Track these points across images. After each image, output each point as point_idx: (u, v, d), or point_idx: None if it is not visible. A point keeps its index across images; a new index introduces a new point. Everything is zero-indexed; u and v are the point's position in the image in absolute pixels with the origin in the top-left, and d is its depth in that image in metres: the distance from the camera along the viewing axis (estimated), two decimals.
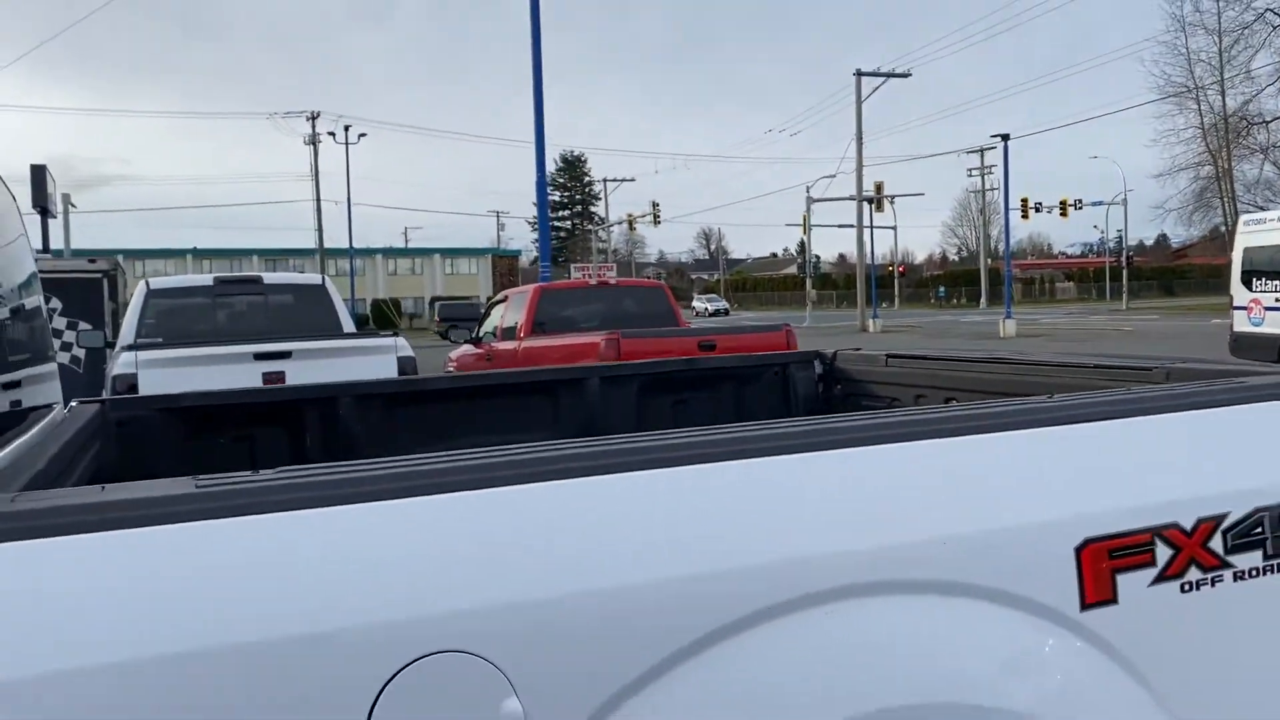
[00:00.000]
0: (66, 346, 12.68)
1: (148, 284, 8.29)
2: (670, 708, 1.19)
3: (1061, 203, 46.28)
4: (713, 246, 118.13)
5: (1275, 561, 1.58)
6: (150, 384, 6.36)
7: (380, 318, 53.41)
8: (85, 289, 12.85)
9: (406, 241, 75.58)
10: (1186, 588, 1.51)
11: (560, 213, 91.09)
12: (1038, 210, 47.15)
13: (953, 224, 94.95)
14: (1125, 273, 55.95)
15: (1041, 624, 1.41)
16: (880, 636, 1.32)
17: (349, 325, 8.59)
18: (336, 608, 1.07)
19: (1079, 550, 1.44)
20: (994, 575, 1.38)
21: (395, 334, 7.39)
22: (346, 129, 48.90)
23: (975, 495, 1.42)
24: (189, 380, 6.05)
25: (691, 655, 1.21)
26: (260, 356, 6.78)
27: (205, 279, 8.67)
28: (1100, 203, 55.17)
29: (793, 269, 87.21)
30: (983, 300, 61.75)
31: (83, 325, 12.70)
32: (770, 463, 1.32)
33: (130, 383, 6.36)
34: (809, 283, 56.33)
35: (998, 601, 1.39)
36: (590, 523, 1.21)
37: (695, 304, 68.86)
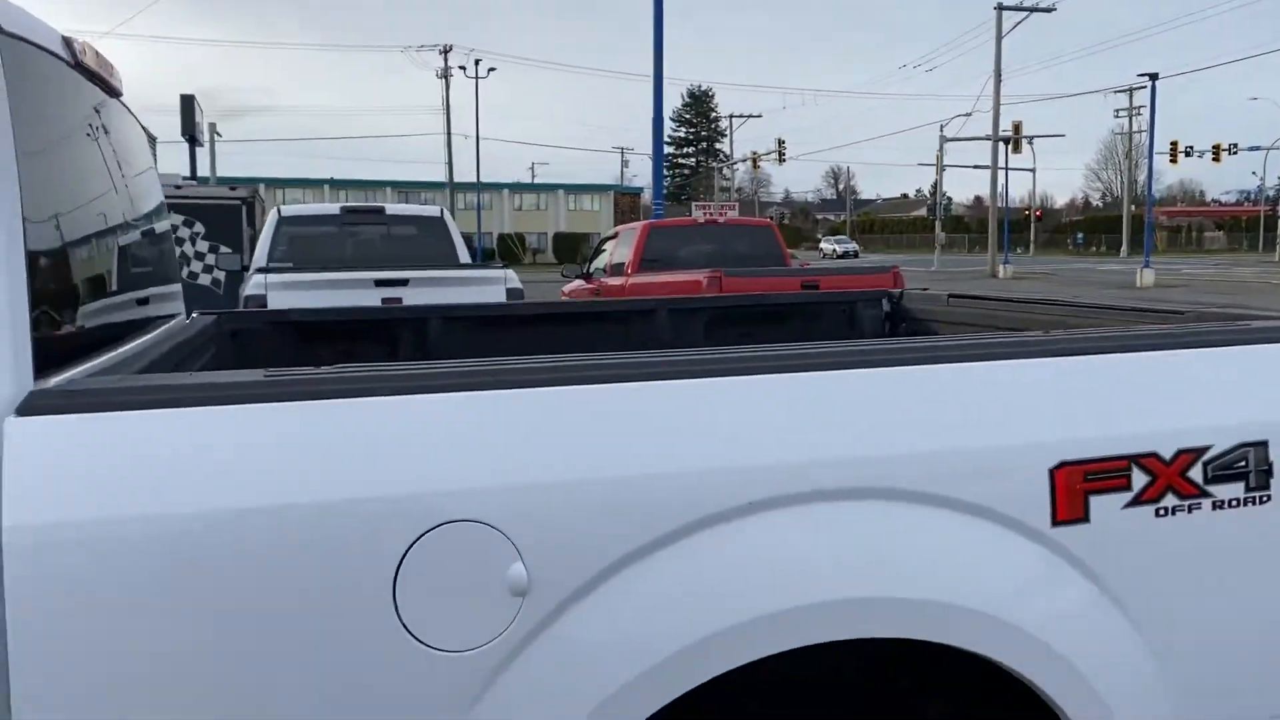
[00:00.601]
0: (208, 269, 13.46)
1: (280, 211, 8.79)
2: (662, 577, 1.38)
3: (1214, 147, 43.83)
4: (840, 186, 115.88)
5: (1258, 494, 1.67)
6: (278, 304, 6.81)
7: (505, 251, 54.44)
8: (226, 214, 13.57)
9: (533, 177, 76.49)
10: (1162, 512, 1.62)
11: (685, 150, 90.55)
12: (1188, 155, 44.76)
13: (1096, 168, 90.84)
14: None
15: (1010, 535, 1.54)
16: (854, 536, 1.48)
17: (464, 256, 8.93)
18: (371, 479, 1.30)
19: (1053, 471, 1.56)
20: (966, 489, 1.52)
21: (506, 266, 7.69)
22: (477, 63, 49.48)
23: (955, 417, 1.55)
24: (314, 302, 6.47)
25: (686, 535, 1.40)
26: (380, 283, 7.16)
27: (333, 208, 9.12)
28: (1258, 148, 51.98)
29: (923, 211, 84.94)
30: (1123, 248, 59.19)
31: (223, 249, 13.46)
32: (754, 380, 1.48)
33: (260, 303, 6.82)
34: (938, 225, 54.88)
35: (969, 512, 1.53)
36: (589, 422, 1.40)
37: (823, 245, 67.87)
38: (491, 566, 1.33)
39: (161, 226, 2.71)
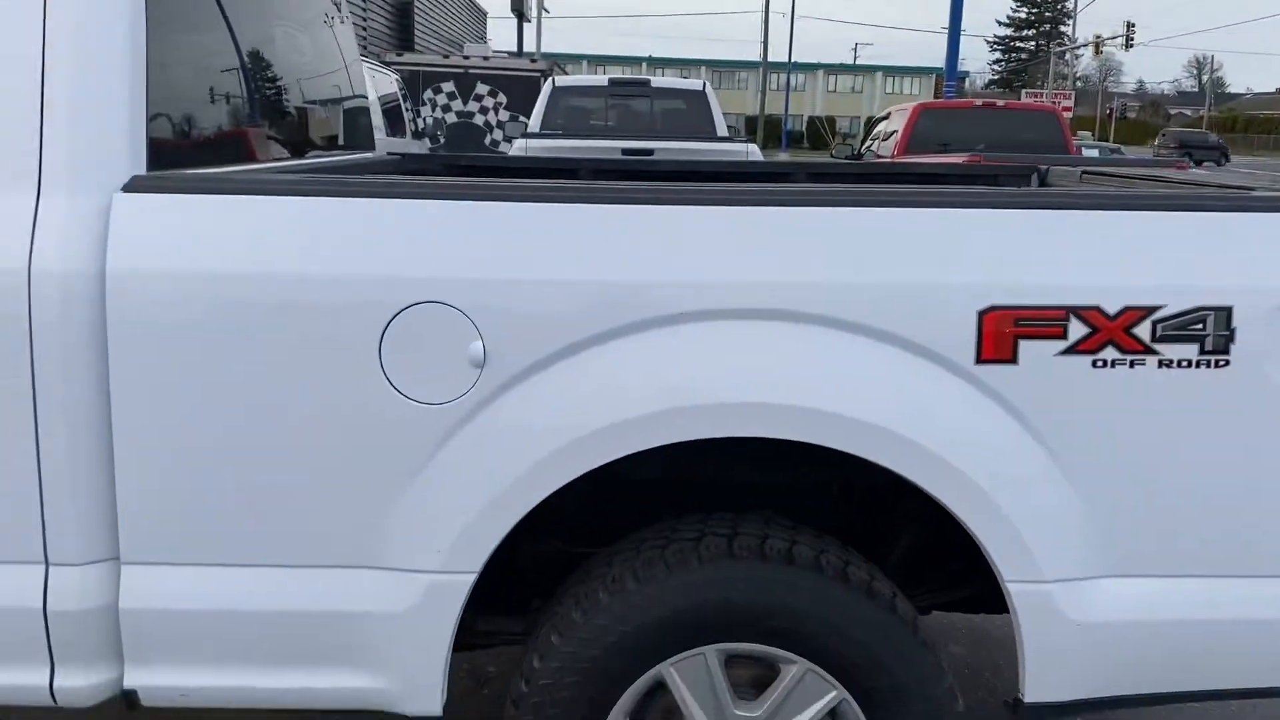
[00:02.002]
0: (509, 139, 14.51)
1: (554, 82, 9.39)
2: (595, 368, 1.68)
3: None
4: (1204, 78, 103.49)
5: (1214, 357, 1.70)
6: None
7: (814, 135, 53.49)
8: (527, 86, 14.47)
9: (855, 58, 74.02)
10: (1100, 364, 1.70)
11: (1024, 32, 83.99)
12: None
13: None
14: None
15: (930, 366, 1.70)
16: (773, 352, 1.70)
17: (722, 130, 9.18)
18: (368, 260, 1.67)
19: (981, 313, 1.69)
20: (892, 322, 1.69)
21: (748, 141, 7.88)
22: None
23: (889, 255, 1.70)
24: None
25: (618, 336, 1.68)
26: (627, 152, 7.59)
27: (601, 80, 9.63)
28: None
29: None
30: None
31: (522, 118, 14.39)
32: (691, 210, 1.71)
33: None
34: None
35: (896, 345, 1.69)
36: (545, 233, 1.70)
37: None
38: (458, 341, 1.68)
39: (360, 104, 3.16)
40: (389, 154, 3.30)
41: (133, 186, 1.70)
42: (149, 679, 1.80)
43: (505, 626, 2.14)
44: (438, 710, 1.82)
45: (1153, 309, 1.69)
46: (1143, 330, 1.70)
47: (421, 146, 11.20)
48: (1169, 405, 1.72)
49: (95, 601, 1.75)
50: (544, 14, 43.10)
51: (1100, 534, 1.76)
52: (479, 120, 14.88)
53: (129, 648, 1.78)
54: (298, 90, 2.56)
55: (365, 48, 18.21)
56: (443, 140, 14.44)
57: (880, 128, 11.28)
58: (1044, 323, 1.69)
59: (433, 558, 1.74)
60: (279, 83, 2.43)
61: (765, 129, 47.55)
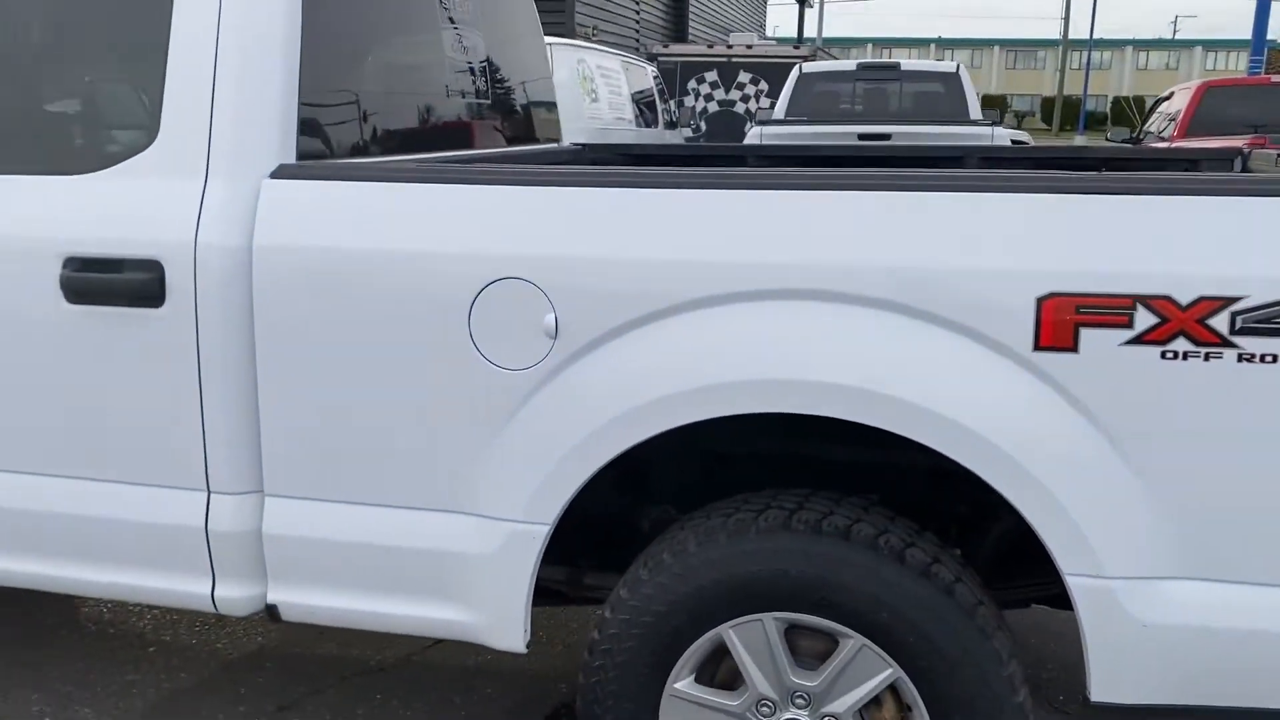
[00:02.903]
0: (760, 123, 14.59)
1: (800, 68, 9.40)
2: (660, 341, 1.80)
3: None
4: None
5: None
6: None
7: (1118, 115, 49.66)
8: (789, 72, 14.47)
9: (1174, 32, 67.96)
10: (1169, 355, 1.63)
11: None
12: None
13: None
14: None
15: (984, 351, 1.69)
16: (829, 332, 1.75)
17: (976, 113, 8.86)
18: (462, 239, 1.87)
19: (1040, 300, 1.66)
20: (944, 305, 1.70)
21: (993, 124, 7.58)
22: None
23: (944, 240, 1.71)
24: None
25: (682, 311, 1.80)
26: (863, 136, 7.52)
27: (849, 65, 9.53)
28: None
29: None
30: None
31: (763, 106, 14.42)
32: (752, 194, 1.78)
33: None
34: None
35: (946, 327, 1.70)
36: (615, 216, 1.83)
37: None
38: (535, 313, 1.85)
39: (538, 82, 3.39)
40: (572, 144, 3.52)
41: (278, 174, 1.99)
42: (286, 596, 2.11)
43: (609, 583, 2.30)
44: (520, 647, 2.01)
45: (1231, 300, 1.60)
46: (1219, 322, 1.61)
47: (677, 136, 11.52)
48: (1248, 402, 1.62)
49: (245, 525, 2.08)
50: None
51: (1170, 533, 1.69)
52: (740, 109, 15.05)
53: (271, 567, 2.10)
54: (465, 86, 2.81)
55: (638, 39, 18.84)
56: (702, 128, 14.74)
57: (1163, 108, 10.43)
58: (1107, 311, 1.64)
59: (513, 508, 1.93)
60: (437, 78, 2.69)
61: (1064, 110, 44.69)
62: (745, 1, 29.87)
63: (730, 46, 15.58)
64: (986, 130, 7.42)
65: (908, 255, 1.72)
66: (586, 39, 15.27)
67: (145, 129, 2.06)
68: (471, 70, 2.84)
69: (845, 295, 1.73)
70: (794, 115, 9.04)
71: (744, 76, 15.10)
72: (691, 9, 22.66)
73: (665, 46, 16.07)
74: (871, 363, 1.73)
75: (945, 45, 59.87)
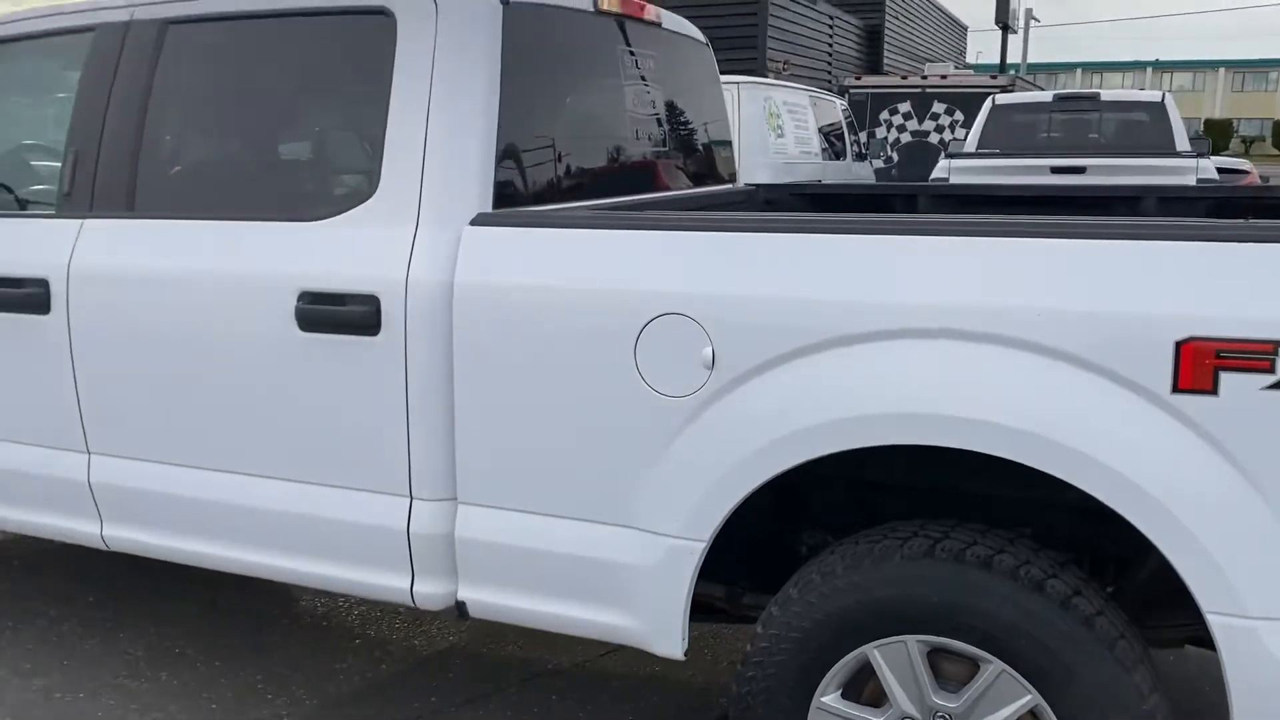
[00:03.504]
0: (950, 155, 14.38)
1: (993, 100, 9.26)
2: (811, 374, 1.95)
3: None
4: None
5: None
6: None
7: None
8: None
9: None
10: None
11: None
12: None
13: None
14: None
15: (1127, 392, 1.76)
16: (965, 369, 1.86)
17: (1183, 144, 8.49)
18: (631, 279, 2.08)
19: (1179, 344, 1.72)
20: (1087, 348, 1.77)
21: (1199, 155, 7.25)
22: None
23: (1085, 284, 1.79)
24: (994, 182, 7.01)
25: (831, 347, 1.94)
26: (1056, 170, 7.35)
27: (1045, 96, 9.31)
28: None
29: None
30: None
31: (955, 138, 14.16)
32: (920, 240, 1.91)
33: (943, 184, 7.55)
34: None
35: (1087, 369, 1.78)
36: (769, 258, 2.00)
37: None
38: (694, 346, 2.04)
39: (721, 135, 3.60)
40: (746, 185, 3.71)
41: (477, 221, 2.27)
42: (473, 594, 2.36)
43: (765, 603, 2.45)
44: (678, 654, 2.19)
45: None
46: None
47: (866, 168, 11.52)
48: None
49: (441, 529, 2.35)
50: (1032, 24, 41.33)
51: None
52: (934, 139, 14.85)
53: (461, 568, 2.36)
54: (645, 134, 3.05)
55: (830, 72, 18.88)
56: (894, 159, 14.63)
57: None
58: (1248, 355, 1.68)
59: (672, 524, 2.12)
60: (618, 131, 2.93)
61: None
62: (944, 29, 29.33)
63: (925, 77, 15.41)
64: (1191, 162, 7.11)
65: (1051, 298, 1.81)
66: (777, 74, 15.46)
67: (367, 185, 2.38)
68: (650, 121, 3.07)
69: (987, 335, 1.83)
70: (986, 148, 8.91)
71: (938, 107, 14.90)
72: (887, 40, 22.48)
73: (857, 79, 16.05)
74: (1014, 400, 1.82)
75: (1163, 68, 56.67)
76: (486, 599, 2.36)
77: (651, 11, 3.07)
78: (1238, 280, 1.71)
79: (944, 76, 15.13)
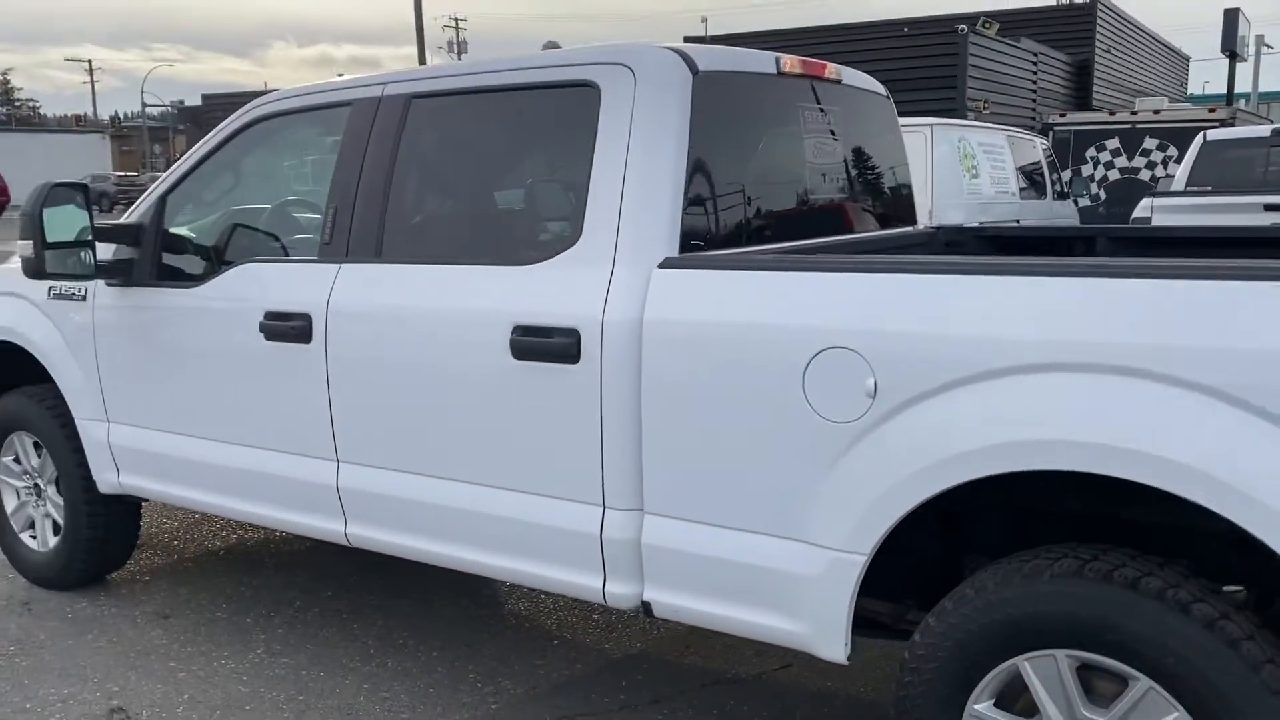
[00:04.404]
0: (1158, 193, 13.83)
1: (1204, 136, 8.93)
2: (963, 404, 2.15)
3: None
4: None
5: None
6: (1162, 224, 7.27)
7: None
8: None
9: None
10: None
11: None
12: None
13: None
14: None
15: (1253, 418, 1.87)
16: (1124, 404, 2.00)
17: None
18: (804, 315, 2.34)
19: None
20: (1217, 379, 1.90)
21: None
22: None
23: (1222, 326, 1.91)
24: (1201, 223, 6.82)
25: (985, 379, 2.13)
26: (1270, 207, 7.04)
27: (1263, 130, 8.90)
28: None
29: None
30: None
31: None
32: (1055, 280, 2.08)
33: (1144, 224, 7.36)
34: None
35: (1231, 404, 1.90)
36: (925, 298, 2.21)
37: None
38: (857, 377, 2.27)
39: (902, 178, 3.80)
40: (928, 227, 3.88)
41: (665, 264, 2.58)
42: (657, 595, 2.65)
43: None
44: (841, 658, 2.40)
45: None
46: None
47: (1067, 208, 11.26)
48: None
49: (630, 535, 2.65)
50: (1264, 50, 38.74)
51: None
52: (1145, 176, 14.30)
53: (647, 571, 2.65)
54: (824, 182, 3.29)
55: (1034, 109, 18.44)
56: (1101, 197, 14.17)
57: None
58: None
59: (836, 538, 2.34)
60: (798, 180, 3.18)
61: None
62: (1162, 59, 27.99)
63: (1134, 112, 14.87)
64: None
65: (1186, 336, 1.94)
66: (977, 114, 15.28)
67: (572, 233, 2.73)
68: (831, 170, 3.31)
69: (1118, 368, 1.98)
70: (1196, 185, 8.60)
71: (1149, 143, 14.35)
72: (1097, 74, 21.74)
73: (1061, 115, 15.65)
74: (1159, 429, 1.96)
75: None
76: (669, 600, 2.64)
77: (832, 70, 3.32)
78: None
79: (1156, 112, 14.55)
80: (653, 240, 2.62)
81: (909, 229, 3.79)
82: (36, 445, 4.18)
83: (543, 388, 2.72)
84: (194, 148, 3.69)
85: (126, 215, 3.77)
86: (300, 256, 3.41)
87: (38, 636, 3.83)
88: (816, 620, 2.41)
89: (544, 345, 2.70)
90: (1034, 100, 18.72)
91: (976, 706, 2.24)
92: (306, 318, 3.14)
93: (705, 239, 2.73)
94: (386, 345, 3.00)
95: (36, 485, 4.26)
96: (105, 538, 4.11)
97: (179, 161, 3.71)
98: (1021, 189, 10.07)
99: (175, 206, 3.65)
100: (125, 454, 3.78)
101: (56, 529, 4.19)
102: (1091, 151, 14.79)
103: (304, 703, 3.31)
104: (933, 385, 2.19)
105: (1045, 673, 2.15)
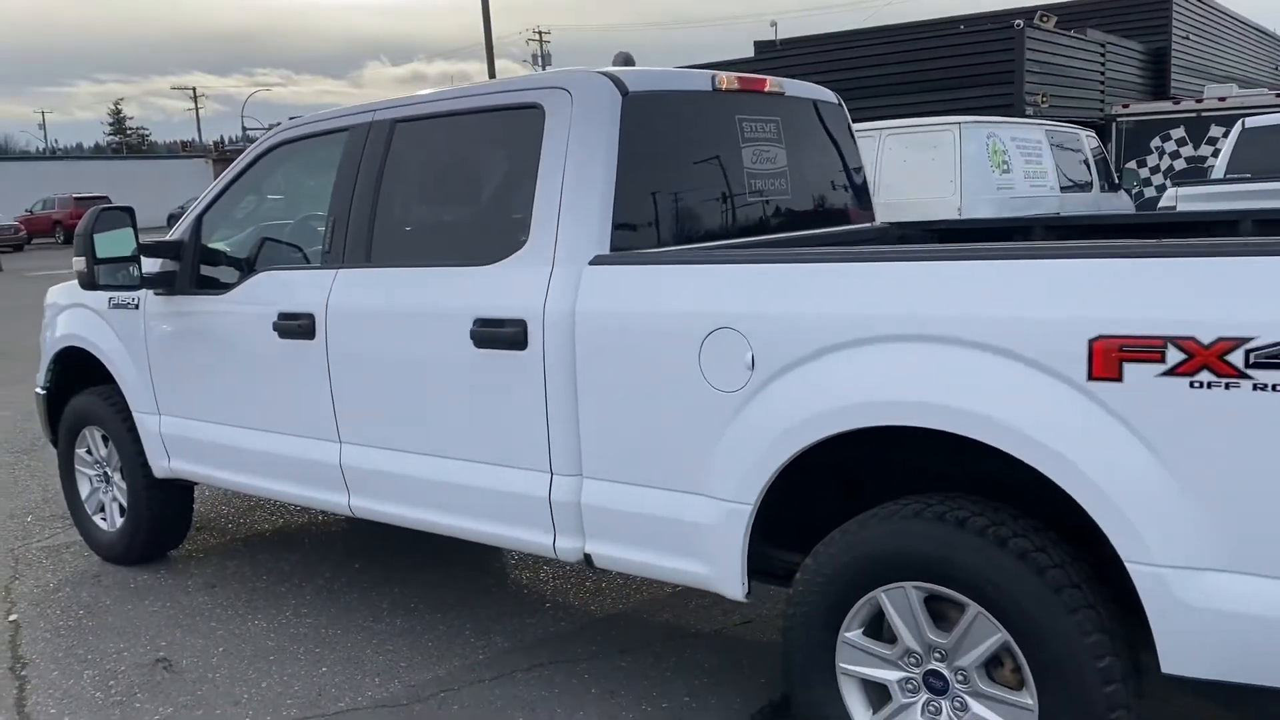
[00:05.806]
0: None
1: (1244, 123, 8.92)
2: (826, 372, 2.50)
3: None
4: None
5: None
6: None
7: None
8: None
9: None
10: (1197, 384, 2.02)
11: None
12: None
13: None
14: None
15: (1054, 381, 2.18)
16: (934, 366, 2.34)
17: None
18: (726, 302, 2.71)
19: (1091, 341, 2.13)
20: (1024, 346, 2.22)
21: None
22: None
23: (1018, 296, 2.23)
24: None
25: (838, 350, 2.48)
26: None
27: None
28: None
29: None
30: None
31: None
32: (883, 265, 2.42)
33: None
34: None
35: (1025, 363, 2.22)
36: (793, 282, 2.56)
37: None
38: (739, 352, 2.63)
39: (845, 174, 4.12)
40: (883, 224, 4.19)
41: (594, 261, 2.98)
42: (596, 548, 3.04)
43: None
44: (740, 596, 2.76)
45: (1244, 340, 1.97)
46: (1235, 358, 1.98)
47: (1120, 200, 11.26)
48: (1263, 421, 1.96)
49: (573, 497, 3.05)
50: None
51: (1210, 531, 2.04)
52: (1212, 164, 14.12)
53: (587, 528, 3.05)
54: (764, 185, 3.64)
55: (1103, 100, 18.22)
56: (1167, 187, 14.03)
57: None
58: (1144, 349, 2.07)
59: (728, 491, 2.71)
60: (740, 183, 3.54)
61: None
62: (1249, 44, 27.16)
63: (1200, 100, 14.68)
64: None
65: (995, 307, 2.26)
66: (1036, 108, 15.24)
67: (522, 236, 3.15)
68: (770, 174, 3.66)
69: (945, 338, 2.31)
70: (1235, 172, 8.61)
71: (1216, 130, 14.15)
72: (1174, 59, 21.29)
73: (1125, 106, 15.50)
74: (969, 388, 2.28)
75: None
76: (605, 552, 3.03)
77: (772, 84, 3.68)
78: (1134, 288, 2.10)
79: (1222, 99, 14.34)
80: (586, 241, 3.02)
81: (860, 226, 4.11)
82: (104, 438, 4.78)
83: (499, 372, 3.14)
84: (225, 172, 4.23)
85: (170, 233, 4.34)
86: (308, 264, 3.91)
87: (104, 602, 4.40)
88: (718, 564, 2.78)
89: (498, 334, 3.12)
90: (1102, 91, 18.50)
91: (847, 634, 2.58)
92: (310, 317, 3.63)
93: (639, 240, 3.12)
94: (374, 338, 3.46)
95: (105, 473, 4.86)
96: (162, 517, 4.68)
97: (213, 184, 4.26)
98: (1068, 184, 10.14)
99: (210, 224, 4.20)
100: (173, 442, 4.33)
101: (122, 511, 4.78)
102: (1156, 141, 14.66)
103: (319, 654, 3.79)
104: (796, 357, 2.55)
105: (899, 603, 2.48)
